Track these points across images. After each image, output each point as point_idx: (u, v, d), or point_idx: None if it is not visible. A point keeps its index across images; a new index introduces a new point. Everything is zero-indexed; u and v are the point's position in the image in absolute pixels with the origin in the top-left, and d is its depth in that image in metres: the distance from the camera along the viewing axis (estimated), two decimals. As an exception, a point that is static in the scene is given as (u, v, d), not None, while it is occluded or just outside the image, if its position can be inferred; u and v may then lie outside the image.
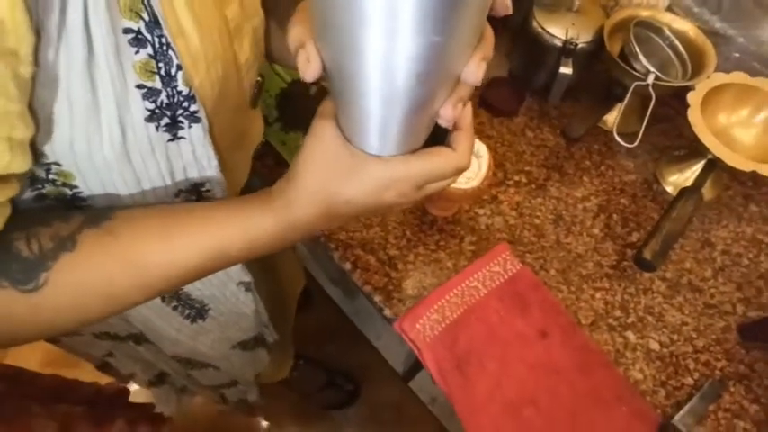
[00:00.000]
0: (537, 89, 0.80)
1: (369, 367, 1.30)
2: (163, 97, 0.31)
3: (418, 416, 1.23)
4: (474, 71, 0.26)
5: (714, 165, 0.67)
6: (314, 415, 1.28)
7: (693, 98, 0.65)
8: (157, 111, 0.32)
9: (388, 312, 0.62)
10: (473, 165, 0.59)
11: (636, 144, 0.64)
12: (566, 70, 0.71)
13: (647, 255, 0.61)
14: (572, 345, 0.60)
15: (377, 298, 0.62)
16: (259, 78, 0.46)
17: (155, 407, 0.90)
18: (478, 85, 0.28)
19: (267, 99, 0.74)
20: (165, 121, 0.33)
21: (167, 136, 0.34)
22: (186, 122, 0.34)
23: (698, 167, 0.71)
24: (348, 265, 0.64)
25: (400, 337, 0.60)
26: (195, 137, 0.35)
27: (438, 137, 0.34)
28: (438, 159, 0.33)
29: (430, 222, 0.68)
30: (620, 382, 0.59)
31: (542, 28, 0.73)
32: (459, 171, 0.34)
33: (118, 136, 0.31)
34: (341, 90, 0.28)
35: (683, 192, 0.66)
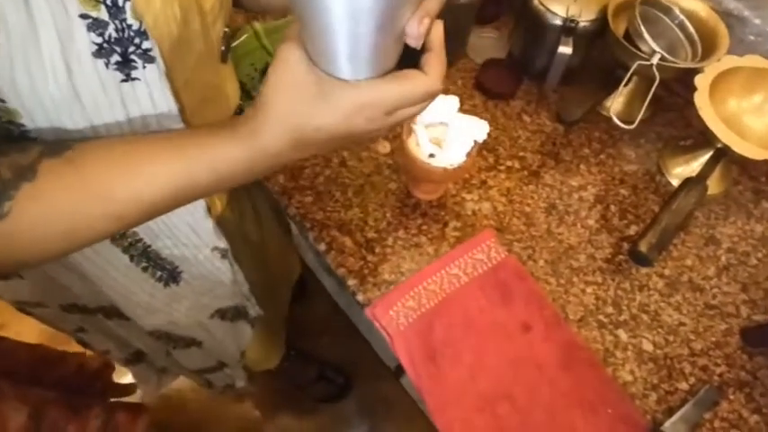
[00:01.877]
0: (536, 72, 0.75)
1: (361, 361, 1.27)
2: (111, 30, 0.30)
3: (409, 412, 1.19)
4: None
5: (723, 154, 0.62)
6: (305, 408, 1.26)
7: (701, 81, 0.60)
8: (106, 45, 0.30)
9: (361, 297, 0.59)
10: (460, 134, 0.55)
11: (634, 127, 0.60)
12: (565, 49, 0.67)
13: (643, 248, 0.57)
14: (556, 340, 0.56)
15: (350, 282, 0.59)
16: (227, 29, 0.44)
17: (136, 387, 0.89)
18: None
19: (252, 72, 0.72)
20: (116, 58, 0.31)
21: (119, 75, 0.32)
22: (140, 62, 0.32)
23: (705, 159, 0.66)
24: (323, 246, 0.61)
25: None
26: (151, 78, 0.34)
27: (411, 61, 0.32)
28: (408, 82, 0.31)
29: (413, 205, 0.65)
30: (607, 382, 0.55)
31: (543, 5, 0.69)
32: (430, 95, 0.33)
33: (62, 70, 0.29)
34: (302, 13, 0.27)
35: (687, 182, 0.61)
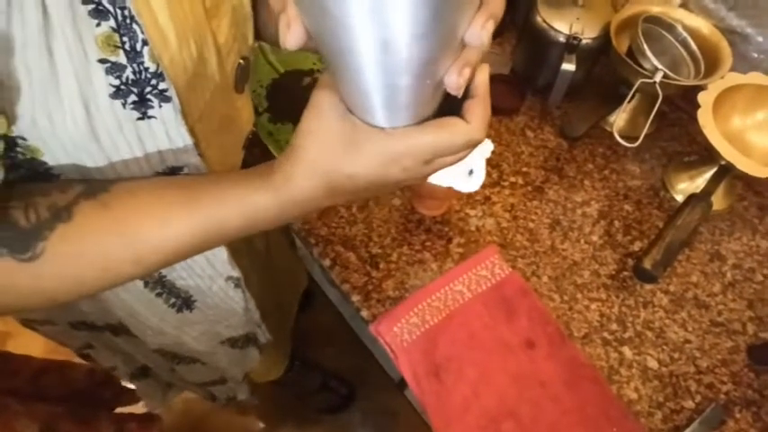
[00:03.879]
0: (539, 88, 0.76)
1: (365, 372, 1.27)
2: (128, 73, 0.30)
3: (414, 424, 1.19)
4: (478, 31, 0.24)
5: (727, 171, 0.62)
6: (309, 418, 1.26)
7: (704, 98, 0.61)
8: (123, 87, 0.31)
9: (365, 314, 0.59)
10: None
11: (638, 143, 0.60)
12: (568, 66, 0.67)
13: (648, 264, 0.57)
14: (560, 357, 0.56)
15: (354, 298, 0.60)
16: (241, 61, 0.44)
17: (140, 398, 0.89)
18: (485, 47, 0.25)
19: (258, 89, 0.73)
20: (133, 98, 0.32)
21: (136, 114, 0.33)
22: (156, 101, 0.33)
23: (709, 175, 0.66)
24: (327, 262, 0.62)
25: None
26: (167, 117, 0.34)
27: (454, 107, 0.31)
28: (447, 131, 0.30)
29: (417, 221, 0.65)
30: (611, 400, 0.54)
31: (546, 22, 0.69)
32: (472, 144, 0.31)
33: (81, 112, 0.30)
34: (332, 60, 0.26)
35: (691, 198, 0.61)
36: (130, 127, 0.33)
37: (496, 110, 0.75)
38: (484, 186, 0.68)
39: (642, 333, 0.59)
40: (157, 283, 0.50)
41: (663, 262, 0.57)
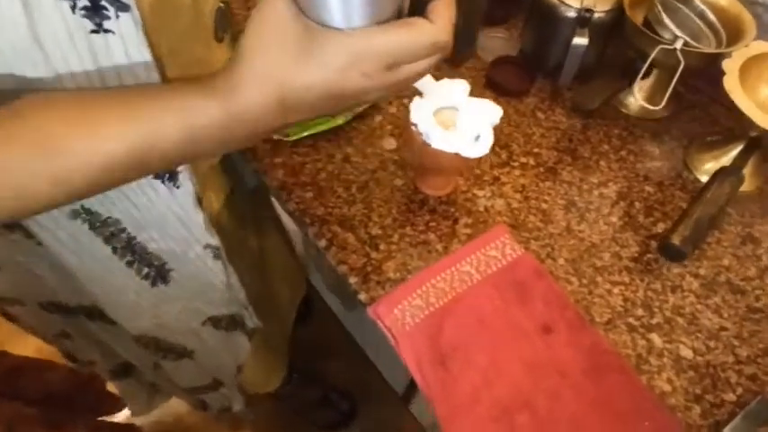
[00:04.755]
0: (549, 70, 0.72)
1: (368, 386, 1.20)
2: None
3: (419, 444, 1.11)
4: None
5: (757, 144, 0.57)
6: (307, 436, 1.18)
7: (730, 65, 0.56)
8: None
9: (363, 296, 0.54)
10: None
11: (657, 124, 0.55)
12: (580, 41, 0.64)
13: (676, 240, 0.52)
14: (580, 343, 0.50)
15: (352, 280, 0.54)
16: (221, 5, 0.42)
17: (125, 405, 0.83)
18: None
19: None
20: (84, 2, 0.28)
21: (89, 25, 0.29)
22: (112, 9, 0.29)
23: (736, 152, 0.61)
24: (323, 242, 0.57)
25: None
26: (126, 31, 0.30)
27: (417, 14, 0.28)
28: (410, 30, 0.27)
29: (420, 201, 0.60)
30: (641, 391, 0.48)
31: (555, -2, 0.66)
32: (437, 47, 0.28)
33: (19, 11, 0.26)
34: None
35: (720, 171, 0.56)
36: (82, 38, 0.29)
37: (504, 91, 0.71)
38: (492, 166, 0.64)
39: (672, 319, 0.53)
40: (127, 248, 0.45)
41: (692, 239, 0.52)
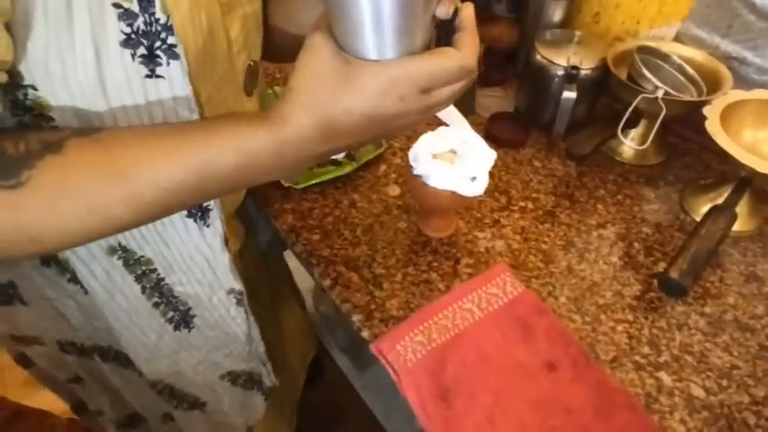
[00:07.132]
0: (544, 123, 0.77)
1: (377, 452, 1.14)
2: (140, 23, 0.32)
3: None
4: None
5: (747, 183, 0.59)
6: None
7: (710, 111, 0.60)
8: (133, 36, 0.32)
9: (366, 333, 0.54)
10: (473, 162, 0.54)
11: (646, 146, 0.58)
12: (569, 94, 0.69)
13: (674, 273, 0.52)
14: (587, 381, 0.49)
15: (356, 317, 0.55)
16: (251, 63, 0.47)
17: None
18: None
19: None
20: (142, 50, 0.33)
21: (144, 70, 0.34)
22: (164, 57, 0.34)
23: (729, 192, 0.63)
24: (328, 281, 0.58)
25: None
26: (174, 76, 0.35)
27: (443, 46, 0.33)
28: (439, 58, 0.31)
29: (423, 243, 0.62)
30: (654, 431, 0.46)
31: (545, 58, 0.72)
32: (465, 71, 0.32)
33: (91, 56, 0.31)
34: None
35: (713, 210, 0.58)
36: (138, 83, 0.33)
37: (502, 143, 0.75)
38: (492, 210, 0.66)
39: (680, 357, 0.52)
40: (155, 288, 0.47)
41: (690, 272, 0.52)
